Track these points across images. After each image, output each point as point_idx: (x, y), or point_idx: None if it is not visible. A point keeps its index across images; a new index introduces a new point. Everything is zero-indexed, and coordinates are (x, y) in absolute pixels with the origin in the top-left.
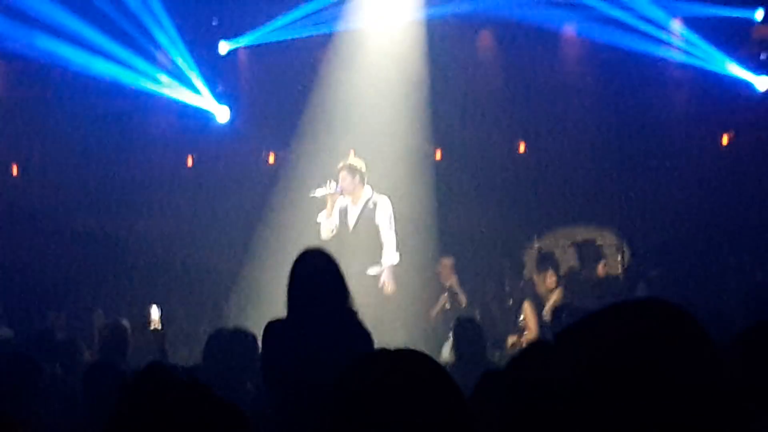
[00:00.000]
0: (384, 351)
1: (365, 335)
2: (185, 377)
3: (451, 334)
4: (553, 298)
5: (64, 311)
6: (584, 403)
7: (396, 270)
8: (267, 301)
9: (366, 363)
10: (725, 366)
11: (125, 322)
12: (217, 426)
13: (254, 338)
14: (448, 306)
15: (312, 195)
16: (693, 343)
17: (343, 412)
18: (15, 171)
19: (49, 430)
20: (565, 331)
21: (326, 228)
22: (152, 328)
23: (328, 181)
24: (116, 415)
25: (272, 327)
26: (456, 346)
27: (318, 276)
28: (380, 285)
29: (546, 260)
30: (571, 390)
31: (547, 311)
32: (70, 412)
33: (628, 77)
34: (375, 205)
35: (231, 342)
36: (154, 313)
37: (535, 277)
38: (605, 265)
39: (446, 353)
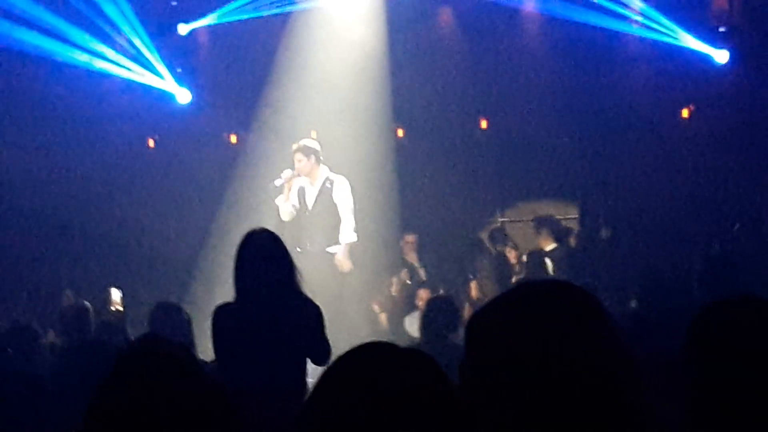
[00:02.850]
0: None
1: (314, 311)
2: (178, 351)
3: (417, 311)
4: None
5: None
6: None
7: (358, 247)
8: (231, 282)
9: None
10: (622, 348)
11: (87, 304)
12: (204, 401)
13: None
14: (408, 281)
15: (273, 184)
16: (593, 323)
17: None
18: None
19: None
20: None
21: (285, 210)
22: (113, 309)
23: (285, 171)
24: (106, 386)
25: (221, 310)
26: (426, 325)
27: (263, 256)
28: (336, 263)
29: (507, 236)
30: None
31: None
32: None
33: (588, 52)
34: (332, 184)
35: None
36: (115, 294)
37: (499, 253)
38: (572, 238)
39: (408, 327)
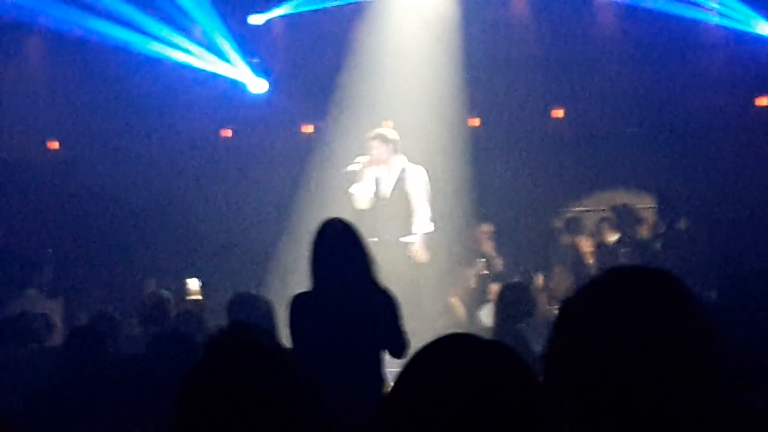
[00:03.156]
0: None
1: (390, 300)
2: (266, 339)
3: (491, 301)
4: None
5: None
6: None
7: (433, 237)
8: (307, 271)
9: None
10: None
11: (166, 293)
12: (294, 390)
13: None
14: (485, 271)
15: (346, 170)
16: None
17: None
18: (56, 147)
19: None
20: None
21: (360, 197)
22: (192, 299)
23: (360, 157)
24: (198, 372)
25: (297, 299)
26: (500, 311)
27: (338, 245)
28: (412, 253)
29: (582, 225)
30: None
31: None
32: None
33: (664, 40)
34: (409, 174)
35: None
36: (194, 284)
37: (574, 242)
38: (646, 228)
39: (484, 318)
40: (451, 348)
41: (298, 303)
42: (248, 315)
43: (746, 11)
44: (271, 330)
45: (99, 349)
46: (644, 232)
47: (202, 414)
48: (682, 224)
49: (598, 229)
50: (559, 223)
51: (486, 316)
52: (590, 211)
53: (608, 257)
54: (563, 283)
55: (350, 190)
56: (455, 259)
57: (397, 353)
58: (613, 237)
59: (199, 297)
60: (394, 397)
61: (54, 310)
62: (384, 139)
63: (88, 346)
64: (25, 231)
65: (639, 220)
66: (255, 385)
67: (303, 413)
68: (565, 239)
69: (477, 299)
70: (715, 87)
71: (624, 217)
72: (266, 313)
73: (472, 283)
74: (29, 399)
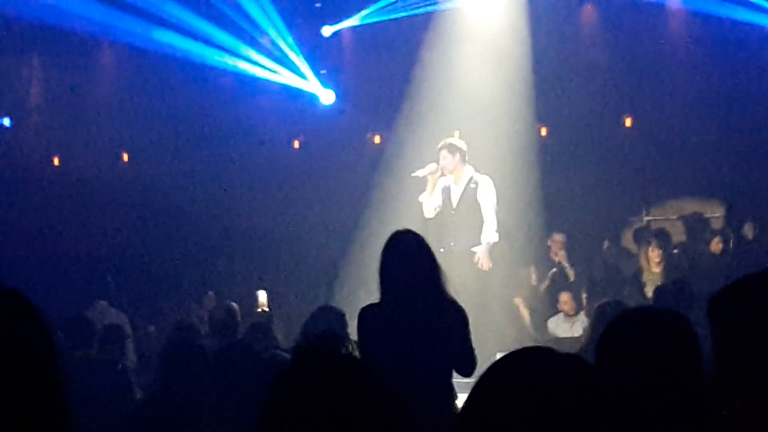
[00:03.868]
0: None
1: (459, 314)
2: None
3: (561, 313)
4: (655, 276)
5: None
6: None
7: (501, 248)
8: (376, 282)
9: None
10: None
11: (235, 305)
12: (379, 402)
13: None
14: (554, 280)
15: (414, 175)
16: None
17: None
18: (125, 158)
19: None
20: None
21: (429, 207)
22: (260, 310)
23: (429, 165)
24: (284, 382)
25: (366, 311)
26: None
27: (408, 258)
28: (476, 261)
29: (651, 235)
30: None
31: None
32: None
33: (733, 49)
34: (477, 184)
35: (327, 319)
36: (262, 296)
37: (641, 252)
38: (719, 241)
39: (553, 328)
40: (528, 362)
41: (367, 315)
42: (325, 327)
43: None
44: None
45: (195, 359)
46: (715, 244)
47: (288, 422)
48: (748, 232)
49: (664, 238)
50: (627, 233)
51: (556, 327)
52: (659, 219)
53: (674, 269)
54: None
55: (419, 198)
56: (523, 267)
57: (465, 371)
58: (685, 245)
59: (267, 308)
60: (467, 412)
61: (123, 321)
62: (452, 149)
63: (184, 355)
64: (93, 241)
65: (708, 229)
66: (341, 394)
67: (389, 424)
68: (634, 248)
69: (545, 307)
70: None
71: (693, 226)
72: (342, 326)
73: (541, 290)
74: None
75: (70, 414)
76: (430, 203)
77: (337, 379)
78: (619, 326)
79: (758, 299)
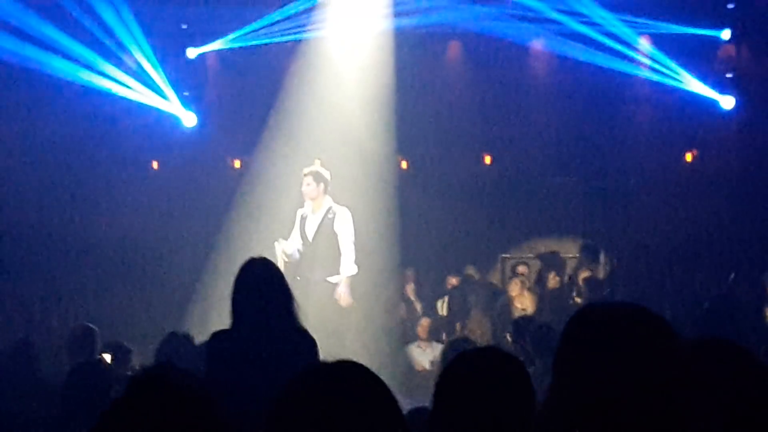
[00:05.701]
0: (324, 365)
1: (309, 343)
2: (190, 384)
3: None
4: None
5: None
6: None
7: (357, 279)
8: (228, 307)
9: (306, 377)
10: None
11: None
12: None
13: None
14: (404, 315)
15: (276, 243)
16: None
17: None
18: None
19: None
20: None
21: (286, 253)
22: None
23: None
24: (112, 412)
25: (217, 336)
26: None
27: (261, 285)
28: (336, 296)
29: (512, 271)
30: None
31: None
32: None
33: (594, 92)
34: (335, 215)
35: (181, 345)
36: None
37: (507, 287)
38: (554, 276)
39: (410, 351)
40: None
41: (218, 340)
42: (179, 354)
43: (676, 67)
44: (197, 370)
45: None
46: (551, 279)
47: None
48: (601, 272)
49: (530, 274)
50: (487, 269)
51: (410, 350)
52: (515, 257)
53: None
54: (480, 327)
55: (276, 244)
56: (378, 301)
57: None
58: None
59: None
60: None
61: None
62: (318, 177)
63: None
64: None
65: (563, 268)
66: (169, 425)
67: None
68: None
69: (397, 342)
70: (644, 139)
71: (549, 264)
72: (191, 352)
73: (392, 325)
74: None
75: None
76: (287, 249)
77: (165, 410)
78: (456, 366)
79: (591, 330)
